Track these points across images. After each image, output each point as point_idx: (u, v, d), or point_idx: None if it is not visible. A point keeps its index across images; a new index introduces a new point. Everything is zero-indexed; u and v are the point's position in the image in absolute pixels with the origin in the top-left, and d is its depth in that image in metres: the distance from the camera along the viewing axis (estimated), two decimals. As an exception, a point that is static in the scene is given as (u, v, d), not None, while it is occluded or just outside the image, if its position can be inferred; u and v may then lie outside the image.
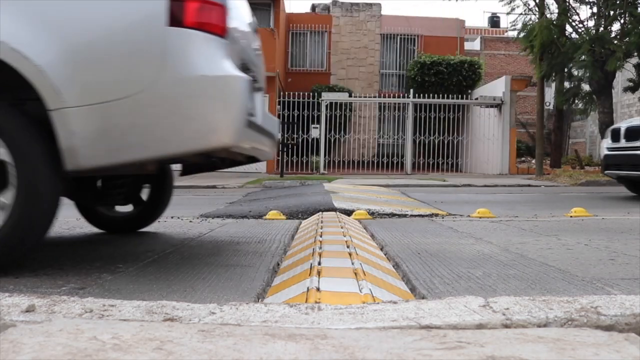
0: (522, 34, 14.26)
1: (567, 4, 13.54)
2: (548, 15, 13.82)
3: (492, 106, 16.92)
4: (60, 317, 1.50)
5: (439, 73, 19.28)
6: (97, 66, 2.21)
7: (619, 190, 7.97)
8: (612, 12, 12.96)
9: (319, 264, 2.29)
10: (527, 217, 4.72)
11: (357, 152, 18.16)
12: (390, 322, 1.46)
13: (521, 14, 14.56)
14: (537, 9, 14.17)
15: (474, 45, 25.70)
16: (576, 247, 2.99)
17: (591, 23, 13.54)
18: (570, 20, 13.65)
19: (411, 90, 17.33)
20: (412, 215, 4.99)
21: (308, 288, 1.89)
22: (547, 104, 20.32)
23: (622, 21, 12.97)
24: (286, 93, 16.85)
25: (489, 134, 16.98)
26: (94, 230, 3.83)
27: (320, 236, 3.15)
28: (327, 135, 16.59)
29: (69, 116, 2.15)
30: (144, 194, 3.73)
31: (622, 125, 6.67)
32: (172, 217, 4.98)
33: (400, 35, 21.28)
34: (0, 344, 1.22)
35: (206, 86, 2.20)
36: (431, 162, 17.50)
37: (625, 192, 7.97)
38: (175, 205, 6.91)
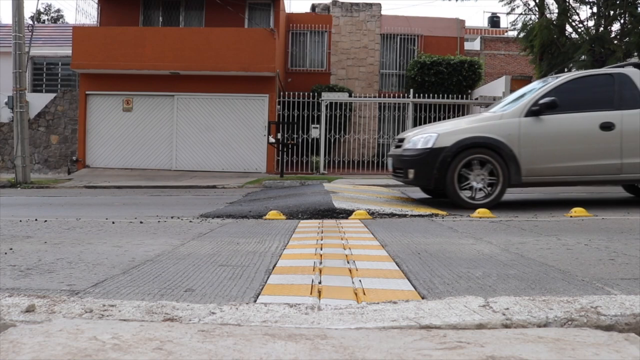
0: (522, 34, 14.24)
1: (567, 4, 13.52)
2: (548, 15, 13.80)
3: (492, 106, 16.90)
4: (60, 317, 1.50)
5: (439, 73, 19.25)
6: None
7: (619, 190, 7.97)
8: (612, 12, 12.95)
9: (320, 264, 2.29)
10: (527, 217, 4.72)
11: (357, 152, 18.14)
12: (390, 322, 1.46)
13: (521, 14, 14.55)
14: (537, 9, 14.15)
15: (474, 45, 25.67)
16: (576, 247, 2.99)
17: (591, 23, 13.52)
18: (570, 20, 13.63)
19: (411, 90, 17.32)
20: (412, 215, 4.99)
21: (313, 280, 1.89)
22: (547, 104, 20.25)
23: (622, 21, 12.95)
24: (286, 93, 16.84)
25: (489, 134, 16.94)
26: (96, 229, 3.83)
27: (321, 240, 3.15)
28: (327, 135, 16.58)
29: None
30: None
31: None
32: (172, 217, 4.98)
33: (400, 35, 21.25)
34: (0, 344, 1.22)
35: None
36: (431, 162, 17.46)
37: (626, 192, 7.98)
38: (175, 205, 6.92)
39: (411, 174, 6.17)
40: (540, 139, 5.96)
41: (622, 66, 6.55)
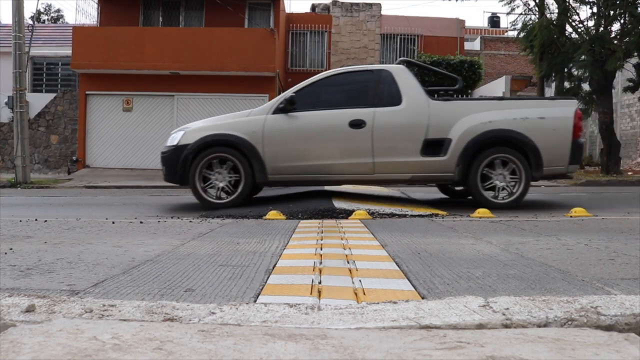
0: (522, 34, 14.22)
1: (567, 4, 13.51)
2: (548, 15, 13.78)
3: (492, 106, 16.90)
4: (60, 317, 1.50)
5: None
6: None
7: (619, 190, 7.97)
8: (612, 12, 12.94)
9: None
10: (527, 217, 4.72)
11: (357, 152, 18.16)
12: (390, 322, 1.46)
13: (521, 14, 14.53)
14: (537, 9, 14.15)
15: (474, 45, 25.68)
16: (576, 247, 2.99)
17: (591, 23, 13.51)
18: (570, 20, 13.62)
19: (411, 90, 17.32)
20: (412, 215, 4.99)
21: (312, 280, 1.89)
22: (547, 104, 20.27)
23: (622, 21, 12.94)
24: (286, 93, 16.85)
25: (489, 134, 16.95)
26: (96, 229, 3.83)
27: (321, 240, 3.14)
28: (327, 135, 16.57)
29: None
30: None
31: None
32: (172, 217, 4.99)
33: (400, 35, 21.27)
34: (0, 344, 1.22)
35: None
36: (431, 162, 17.45)
37: (627, 191, 7.98)
38: (175, 205, 6.92)
39: (164, 170, 6.17)
40: (287, 136, 5.84)
41: (400, 63, 6.37)
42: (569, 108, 6.00)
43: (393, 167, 5.83)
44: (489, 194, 5.81)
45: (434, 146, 5.81)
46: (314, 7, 22.39)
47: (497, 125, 5.80)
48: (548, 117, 5.90)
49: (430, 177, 5.98)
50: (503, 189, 5.83)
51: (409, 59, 6.75)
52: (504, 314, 1.51)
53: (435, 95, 6.26)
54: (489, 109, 5.92)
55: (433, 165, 5.81)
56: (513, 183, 5.82)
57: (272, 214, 4.94)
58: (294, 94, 5.92)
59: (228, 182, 5.85)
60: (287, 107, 5.86)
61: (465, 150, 5.75)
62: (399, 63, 6.35)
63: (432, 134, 5.80)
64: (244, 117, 6.02)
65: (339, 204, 5.44)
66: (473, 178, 5.77)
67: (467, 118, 5.82)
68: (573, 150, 5.89)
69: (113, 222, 4.34)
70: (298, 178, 5.96)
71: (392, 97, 5.90)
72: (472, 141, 5.75)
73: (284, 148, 5.83)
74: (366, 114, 5.83)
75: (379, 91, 5.94)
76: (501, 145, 5.82)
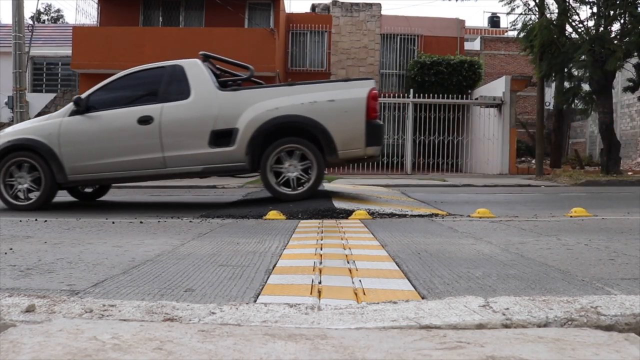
0: (522, 34, 14.21)
1: (567, 4, 13.49)
2: (548, 15, 13.77)
3: (492, 106, 16.90)
4: (60, 317, 1.50)
5: (439, 73, 19.26)
6: None
7: (619, 190, 7.97)
8: (612, 12, 12.92)
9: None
10: (527, 217, 4.72)
11: (357, 152, 18.12)
12: (390, 322, 1.46)
13: (521, 14, 14.52)
14: (537, 9, 14.13)
15: (474, 45, 25.69)
16: (576, 247, 2.99)
17: (591, 23, 13.49)
18: (570, 20, 13.60)
19: (411, 90, 17.31)
20: (412, 215, 4.99)
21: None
22: (547, 104, 20.29)
23: (622, 21, 12.93)
24: (286, 93, 16.83)
25: (489, 134, 16.97)
26: (96, 229, 3.83)
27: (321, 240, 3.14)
28: (327, 135, 16.54)
29: None
30: None
31: None
32: (172, 217, 4.99)
33: (400, 35, 21.26)
34: (0, 344, 1.22)
35: None
36: (431, 162, 17.46)
37: (627, 191, 7.98)
38: (175, 205, 6.92)
39: None
40: (81, 137, 5.98)
41: (200, 57, 6.37)
42: (361, 89, 5.84)
43: (183, 160, 5.85)
44: (283, 187, 5.71)
45: (223, 137, 5.76)
46: (314, 7, 22.39)
47: (284, 112, 5.69)
48: (338, 99, 5.76)
49: (223, 167, 5.92)
50: (307, 174, 5.70)
51: (207, 52, 6.72)
52: (504, 314, 1.51)
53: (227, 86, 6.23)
54: (277, 96, 5.84)
55: (223, 156, 5.77)
56: (308, 170, 5.70)
57: (272, 214, 4.94)
58: (80, 96, 6.05)
59: (31, 184, 6.03)
60: (78, 109, 6.00)
61: (253, 139, 5.67)
62: (200, 57, 6.37)
63: (220, 125, 5.77)
64: (44, 120, 6.23)
65: (339, 204, 5.44)
66: (263, 167, 5.70)
67: (254, 106, 5.76)
68: (369, 131, 5.73)
69: (113, 222, 4.34)
70: (96, 176, 6.10)
71: (181, 91, 5.94)
72: (259, 129, 5.66)
73: (80, 148, 5.96)
74: (154, 109, 5.89)
75: (170, 86, 6.00)
76: (291, 132, 5.72)
